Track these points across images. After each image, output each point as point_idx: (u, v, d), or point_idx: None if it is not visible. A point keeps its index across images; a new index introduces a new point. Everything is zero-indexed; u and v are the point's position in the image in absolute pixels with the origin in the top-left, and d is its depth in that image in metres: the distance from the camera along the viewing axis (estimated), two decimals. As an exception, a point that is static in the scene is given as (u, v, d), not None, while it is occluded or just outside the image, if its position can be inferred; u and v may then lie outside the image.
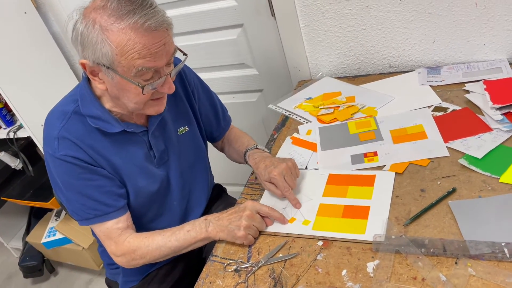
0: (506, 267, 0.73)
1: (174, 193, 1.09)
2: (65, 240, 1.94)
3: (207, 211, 1.20)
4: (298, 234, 0.92)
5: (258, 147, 1.13)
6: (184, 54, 0.89)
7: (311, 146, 1.17)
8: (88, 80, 0.93)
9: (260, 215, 0.94)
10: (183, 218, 1.14)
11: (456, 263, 0.76)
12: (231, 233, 0.91)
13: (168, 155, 1.06)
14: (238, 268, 0.89)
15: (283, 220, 0.94)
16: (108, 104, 0.93)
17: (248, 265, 0.89)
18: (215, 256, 0.94)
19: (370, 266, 0.81)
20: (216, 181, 1.35)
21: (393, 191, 0.95)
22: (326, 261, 0.84)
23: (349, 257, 0.83)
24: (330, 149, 1.13)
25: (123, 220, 0.97)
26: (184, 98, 1.10)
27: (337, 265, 0.83)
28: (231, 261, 0.91)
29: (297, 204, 0.99)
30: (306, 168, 1.10)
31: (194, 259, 1.15)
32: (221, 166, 1.49)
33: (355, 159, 1.08)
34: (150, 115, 0.99)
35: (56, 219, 2.06)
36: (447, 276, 0.74)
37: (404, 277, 0.77)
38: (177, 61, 0.93)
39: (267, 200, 1.04)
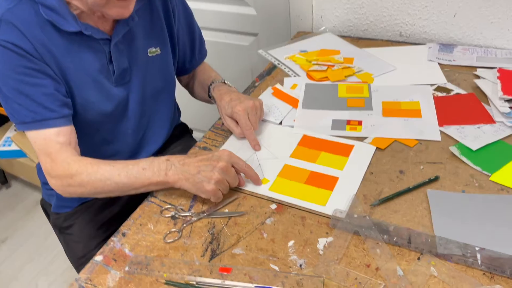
0: (474, 274, 0.63)
1: (131, 120, 0.96)
2: (20, 153, 1.81)
3: (163, 149, 1.08)
4: (252, 192, 0.81)
5: (225, 82, 1.01)
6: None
7: (292, 101, 1.03)
8: None
9: (234, 167, 0.79)
10: (135, 150, 1.01)
11: (418, 258, 0.66)
12: (198, 184, 0.76)
13: (131, 76, 0.92)
14: (176, 215, 0.78)
15: (257, 181, 0.82)
16: None
17: (188, 214, 0.77)
18: (154, 197, 0.82)
19: (322, 242, 0.70)
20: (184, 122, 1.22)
21: (368, 167, 0.83)
22: (275, 227, 0.73)
23: (301, 228, 0.73)
24: (312, 109, 1.00)
25: (65, 133, 0.82)
26: (162, 16, 0.95)
27: (286, 234, 0.72)
28: (170, 206, 0.80)
29: (256, 146, 0.90)
30: (280, 123, 0.98)
31: (139, 196, 1.04)
32: (190, 108, 1.35)
33: (337, 124, 0.95)
34: (117, 23, 0.85)
35: (15, 130, 1.92)
36: (405, 271, 0.64)
37: (356, 261, 0.66)
38: None
39: (228, 148, 0.92)
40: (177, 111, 1.15)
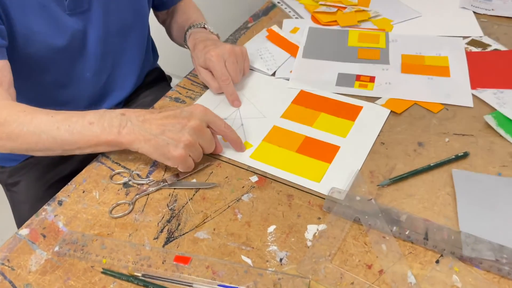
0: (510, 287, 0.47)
1: (90, 60, 0.78)
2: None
3: (132, 98, 0.90)
4: (229, 159, 0.64)
5: (206, 26, 0.82)
6: None
7: (291, 48, 0.84)
8: None
9: (209, 127, 0.61)
10: (97, 98, 0.84)
11: (437, 261, 0.50)
12: (162, 148, 0.57)
13: (90, 4, 0.72)
14: (130, 183, 0.61)
15: (240, 146, 0.64)
16: None
17: (145, 181, 0.61)
18: (106, 157, 0.66)
19: (312, 230, 0.54)
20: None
21: (379, 135, 0.66)
22: (253, 206, 0.57)
23: (286, 209, 0.56)
24: (314, 59, 0.81)
25: None
26: None
27: (266, 216, 0.56)
28: (123, 170, 0.63)
29: (235, 101, 0.72)
30: (273, 74, 0.79)
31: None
32: (171, 50, 1.15)
33: (343, 79, 0.76)
34: None
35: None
36: (418, 277, 0.48)
37: (354, 260, 0.50)
38: None
39: (205, 104, 0.74)
40: (152, 53, 0.96)
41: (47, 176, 0.84)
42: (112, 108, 0.89)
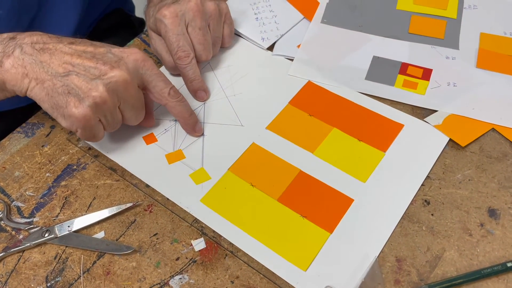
0: None
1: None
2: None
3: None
4: (167, 199, 0.39)
5: None
6: None
7: (307, 6, 0.55)
8: None
9: (146, 89, 0.40)
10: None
11: None
12: (59, 98, 0.37)
13: None
14: (2, 223, 0.38)
15: (192, 126, 0.42)
16: None
17: (22, 225, 0.38)
18: (-21, 171, 0.42)
19: None
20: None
21: (423, 185, 0.39)
22: (184, 303, 0.33)
23: (237, 324, 0.33)
24: (340, 27, 0.52)
25: None
26: None
27: (202, 328, 0.32)
28: (-3, 199, 0.40)
29: (198, 92, 0.46)
30: (270, 49, 0.51)
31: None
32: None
33: (379, 69, 0.48)
34: None
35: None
36: None
37: None
38: None
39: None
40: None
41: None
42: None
